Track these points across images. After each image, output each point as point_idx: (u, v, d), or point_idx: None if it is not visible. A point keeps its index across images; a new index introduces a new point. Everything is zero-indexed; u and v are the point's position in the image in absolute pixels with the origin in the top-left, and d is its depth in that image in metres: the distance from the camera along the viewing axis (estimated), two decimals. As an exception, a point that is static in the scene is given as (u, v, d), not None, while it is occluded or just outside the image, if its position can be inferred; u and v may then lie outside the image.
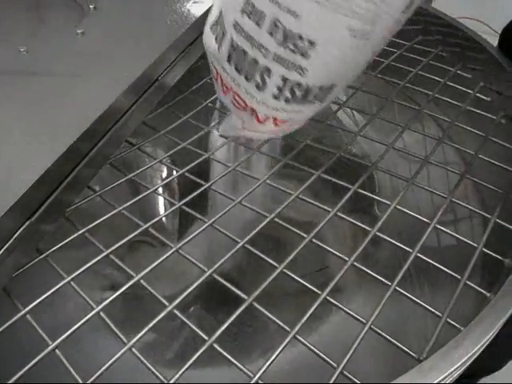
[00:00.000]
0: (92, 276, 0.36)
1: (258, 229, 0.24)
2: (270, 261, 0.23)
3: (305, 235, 0.24)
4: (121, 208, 0.25)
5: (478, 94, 0.33)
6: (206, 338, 0.20)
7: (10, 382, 0.18)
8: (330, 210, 0.25)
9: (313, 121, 0.32)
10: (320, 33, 0.18)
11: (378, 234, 0.24)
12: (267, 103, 0.22)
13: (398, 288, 0.21)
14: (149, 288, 0.22)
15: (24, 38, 0.30)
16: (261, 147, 0.30)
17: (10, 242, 0.20)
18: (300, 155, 0.29)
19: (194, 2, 0.34)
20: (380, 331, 0.20)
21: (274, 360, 0.19)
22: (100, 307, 0.21)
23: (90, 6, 0.33)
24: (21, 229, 0.21)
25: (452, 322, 0.20)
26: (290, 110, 0.22)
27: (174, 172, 0.28)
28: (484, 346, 0.19)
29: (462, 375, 0.20)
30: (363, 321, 0.20)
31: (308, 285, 0.22)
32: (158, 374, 0.19)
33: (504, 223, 0.25)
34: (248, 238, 0.24)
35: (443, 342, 0.19)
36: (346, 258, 0.23)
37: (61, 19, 0.33)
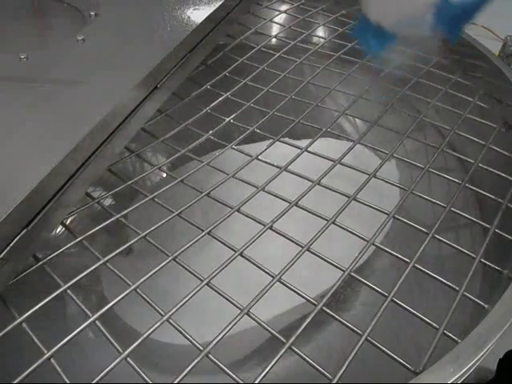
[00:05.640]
0: (90, 282, 0.36)
1: (255, 238, 0.24)
2: (267, 270, 0.23)
3: (302, 244, 0.23)
4: (118, 216, 0.25)
5: (478, 102, 0.33)
6: (201, 348, 0.20)
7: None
8: (327, 218, 0.25)
9: (313, 128, 0.32)
10: None
11: (376, 244, 0.24)
12: None
13: (394, 299, 0.21)
14: (145, 297, 0.22)
15: (24, 45, 0.30)
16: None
17: (6, 250, 0.20)
18: (298, 163, 0.29)
19: (195, 9, 0.34)
20: (376, 343, 0.20)
21: (269, 370, 0.19)
22: (95, 316, 0.21)
23: (91, 13, 0.33)
24: (17, 237, 0.21)
25: (449, 334, 0.20)
26: None
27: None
28: (481, 359, 0.19)
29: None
30: (359, 332, 0.20)
31: (305, 295, 0.22)
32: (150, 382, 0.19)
33: (503, 233, 0.24)
34: (245, 246, 0.24)
35: (441, 354, 0.19)
36: (344, 268, 0.23)
37: (61, 26, 0.33)
